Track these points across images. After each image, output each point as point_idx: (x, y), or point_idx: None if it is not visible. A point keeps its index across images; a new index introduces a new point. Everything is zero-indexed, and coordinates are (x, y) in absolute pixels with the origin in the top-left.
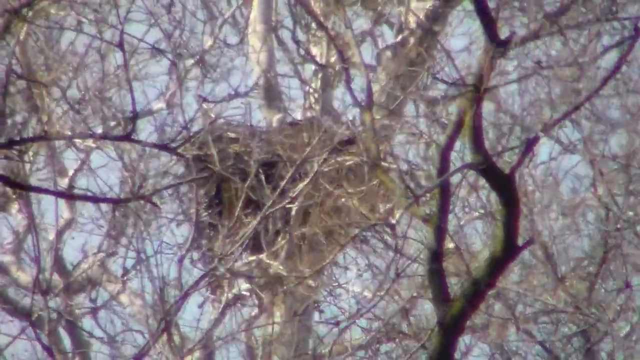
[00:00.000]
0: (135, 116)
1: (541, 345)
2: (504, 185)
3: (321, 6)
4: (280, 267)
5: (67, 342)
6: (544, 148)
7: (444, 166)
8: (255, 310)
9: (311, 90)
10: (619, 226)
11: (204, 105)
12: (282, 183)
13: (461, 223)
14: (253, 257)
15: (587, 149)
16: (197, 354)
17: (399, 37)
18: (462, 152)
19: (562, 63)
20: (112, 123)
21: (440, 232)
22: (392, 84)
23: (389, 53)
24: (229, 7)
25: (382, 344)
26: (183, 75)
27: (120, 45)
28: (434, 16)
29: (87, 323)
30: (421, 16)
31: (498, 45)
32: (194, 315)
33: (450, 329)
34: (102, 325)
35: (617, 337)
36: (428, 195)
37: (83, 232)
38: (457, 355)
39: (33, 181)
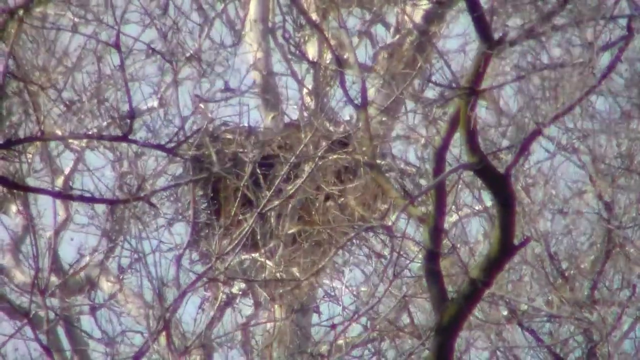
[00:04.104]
0: (132, 116)
1: (545, 346)
2: (500, 185)
3: (317, 4)
4: (270, 264)
5: (66, 342)
6: (544, 148)
7: (439, 166)
8: (253, 310)
9: (306, 90)
10: (622, 225)
11: (201, 105)
12: (276, 182)
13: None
14: (248, 256)
15: (588, 148)
16: (195, 353)
17: (396, 37)
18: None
19: (555, 64)
20: (108, 122)
21: (436, 232)
22: (389, 84)
23: (385, 53)
24: (221, 3)
25: (382, 342)
26: (178, 75)
27: (117, 46)
28: (432, 17)
29: (86, 323)
30: (418, 17)
31: (491, 45)
32: (193, 316)
33: (448, 328)
34: (100, 325)
35: (620, 336)
36: (424, 195)
37: (81, 233)
38: (456, 354)
39: (31, 182)
